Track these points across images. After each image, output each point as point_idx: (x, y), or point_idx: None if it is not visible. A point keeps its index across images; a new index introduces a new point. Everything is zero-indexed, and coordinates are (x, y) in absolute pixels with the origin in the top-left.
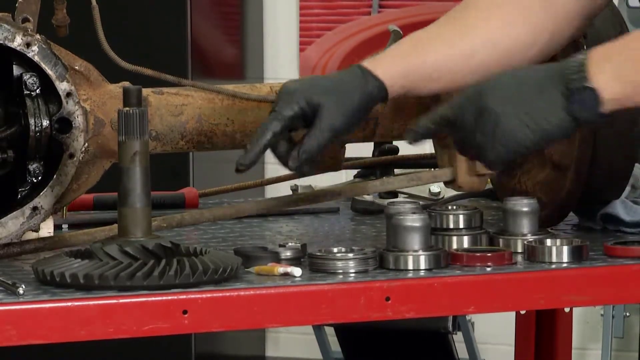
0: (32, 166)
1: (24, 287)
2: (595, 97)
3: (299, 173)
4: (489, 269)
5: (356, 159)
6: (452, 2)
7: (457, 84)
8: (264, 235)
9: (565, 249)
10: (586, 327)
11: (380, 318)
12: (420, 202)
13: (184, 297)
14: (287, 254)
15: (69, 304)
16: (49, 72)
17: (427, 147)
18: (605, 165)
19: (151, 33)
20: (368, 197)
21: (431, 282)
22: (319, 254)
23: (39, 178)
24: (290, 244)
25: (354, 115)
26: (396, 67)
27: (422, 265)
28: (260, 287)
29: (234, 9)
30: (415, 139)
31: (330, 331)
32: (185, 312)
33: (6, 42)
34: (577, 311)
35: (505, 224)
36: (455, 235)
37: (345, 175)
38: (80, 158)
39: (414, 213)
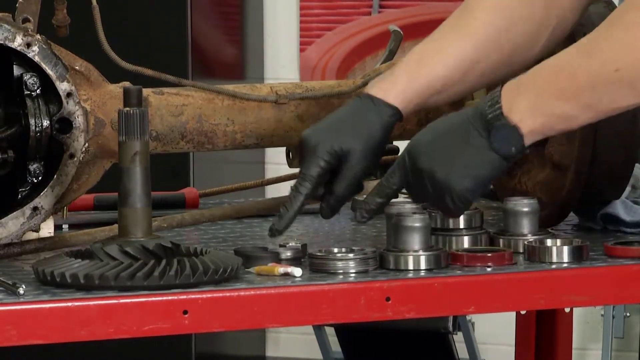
0: (33, 166)
1: (24, 287)
2: (516, 132)
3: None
4: (489, 269)
5: None
6: (452, 2)
7: (467, 91)
8: (265, 235)
9: (565, 249)
10: (586, 327)
11: (381, 318)
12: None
13: (184, 297)
14: (288, 254)
15: (69, 304)
16: (50, 72)
17: None
18: (605, 165)
19: (151, 33)
20: None
21: (431, 282)
22: (319, 254)
23: (40, 178)
24: (290, 244)
25: (377, 150)
26: (407, 89)
27: (423, 266)
28: (261, 287)
29: (234, 9)
30: (369, 217)
31: (330, 331)
32: (185, 312)
33: (6, 42)
34: (577, 311)
35: (505, 224)
36: (455, 235)
37: None
38: (81, 158)
39: (414, 213)
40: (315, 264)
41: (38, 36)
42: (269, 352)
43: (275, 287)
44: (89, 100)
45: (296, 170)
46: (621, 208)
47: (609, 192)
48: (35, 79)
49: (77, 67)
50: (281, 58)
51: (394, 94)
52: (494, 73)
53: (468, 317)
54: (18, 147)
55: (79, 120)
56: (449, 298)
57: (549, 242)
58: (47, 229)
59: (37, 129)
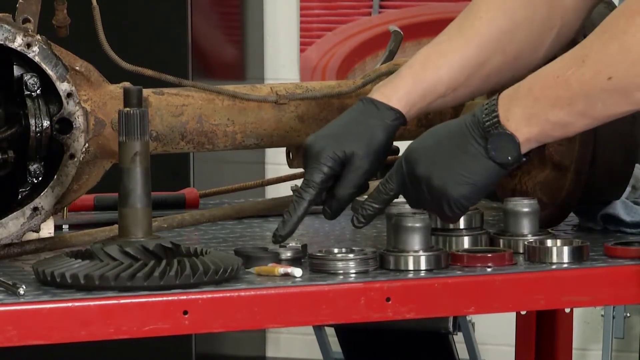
0: (33, 167)
1: (24, 287)
2: (512, 140)
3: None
4: (489, 269)
5: None
6: (452, 2)
7: (471, 94)
8: (265, 235)
9: (565, 249)
10: (587, 327)
11: (381, 318)
12: None
13: (185, 297)
14: (288, 254)
15: (70, 304)
16: (50, 72)
17: None
18: (605, 165)
19: (151, 33)
20: None
21: (431, 283)
22: (319, 254)
23: (40, 178)
24: (290, 244)
25: (380, 153)
26: (411, 92)
27: (423, 266)
28: (261, 288)
29: (234, 9)
30: (366, 223)
31: (330, 331)
32: (185, 312)
33: (7, 43)
34: (577, 312)
35: (505, 225)
36: (455, 235)
37: None
38: (81, 158)
39: (414, 214)
40: (316, 264)
41: (38, 36)
42: (269, 353)
43: (276, 287)
44: (89, 101)
45: (296, 170)
46: (621, 208)
47: (609, 192)
48: (35, 79)
49: (77, 68)
50: (281, 58)
51: (397, 97)
52: (498, 76)
53: (468, 318)
54: (18, 148)
55: (79, 120)
56: (449, 298)
57: (549, 242)
58: (47, 230)
59: (38, 129)
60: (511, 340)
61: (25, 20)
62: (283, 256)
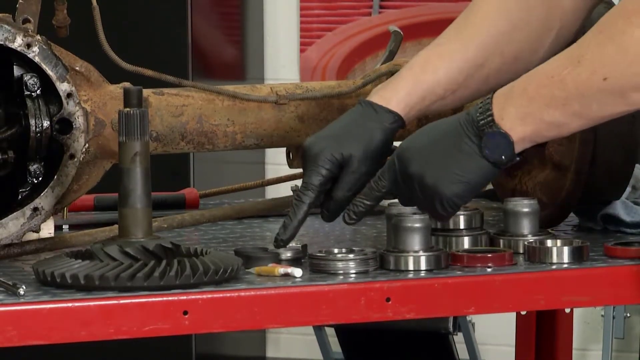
0: (33, 167)
1: (24, 287)
2: (506, 139)
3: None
4: (489, 269)
5: None
6: (452, 2)
7: (470, 96)
8: (265, 236)
9: (565, 249)
10: (587, 327)
11: (381, 319)
12: None
13: (185, 297)
14: (288, 254)
15: (70, 304)
16: (50, 72)
17: None
18: (605, 165)
19: (151, 33)
20: None
21: (431, 283)
22: (319, 254)
23: (40, 179)
24: (290, 244)
25: (378, 156)
26: (410, 94)
27: (423, 266)
28: (261, 288)
29: (234, 9)
30: (357, 219)
31: (330, 332)
32: (185, 312)
33: (7, 43)
34: (577, 312)
35: (505, 225)
36: (455, 236)
37: None
38: (81, 159)
39: (414, 214)
40: (316, 264)
41: (38, 37)
42: (269, 353)
43: (276, 287)
44: (89, 101)
45: (296, 170)
46: (621, 208)
47: (609, 192)
48: (35, 79)
49: (77, 68)
50: (281, 58)
51: (396, 100)
52: (497, 78)
53: (468, 318)
54: (18, 148)
55: (79, 120)
56: (449, 298)
57: (549, 242)
58: (47, 230)
59: (38, 129)
60: (511, 340)
61: (25, 21)
62: (283, 256)
